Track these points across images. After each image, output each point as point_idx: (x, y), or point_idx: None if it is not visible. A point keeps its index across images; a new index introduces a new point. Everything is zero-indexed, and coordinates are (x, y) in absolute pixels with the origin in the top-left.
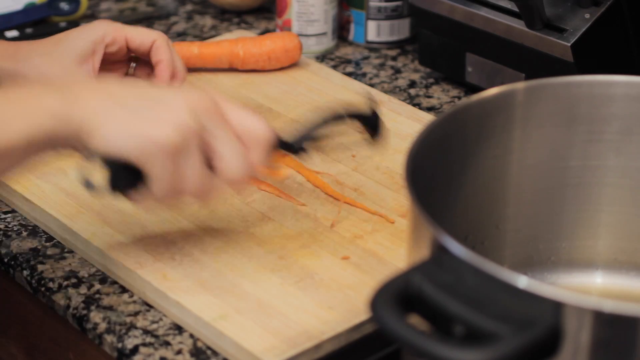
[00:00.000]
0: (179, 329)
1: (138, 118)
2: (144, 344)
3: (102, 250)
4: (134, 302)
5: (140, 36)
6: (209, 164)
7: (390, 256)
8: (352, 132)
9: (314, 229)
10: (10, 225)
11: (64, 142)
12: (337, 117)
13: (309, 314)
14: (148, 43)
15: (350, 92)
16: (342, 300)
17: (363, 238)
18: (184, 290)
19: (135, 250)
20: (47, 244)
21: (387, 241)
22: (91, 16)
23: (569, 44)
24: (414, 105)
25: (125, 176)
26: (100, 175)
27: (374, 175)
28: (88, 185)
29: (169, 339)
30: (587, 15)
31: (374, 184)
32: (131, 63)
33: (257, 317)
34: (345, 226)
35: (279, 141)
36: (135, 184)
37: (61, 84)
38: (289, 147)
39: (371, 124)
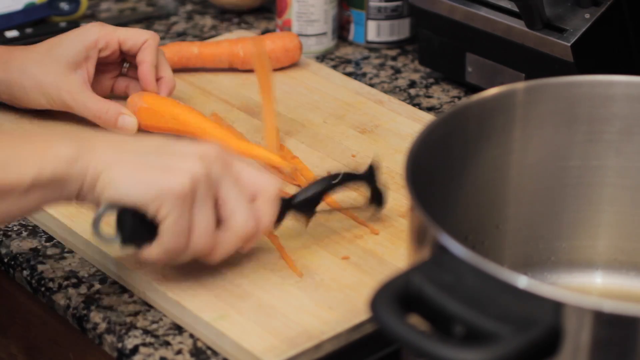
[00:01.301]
0: (179, 329)
1: (151, 167)
2: (144, 344)
3: (102, 250)
4: (134, 302)
5: (133, 37)
6: (218, 219)
7: (390, 256)
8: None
9: (314, 229)
10: (10, 225)
11: (73, 189)
12: (337, 182)
13: (309, 314)
14: (140, 43)
15: (350, 92)
16: (342, 300)
17: (363, 238)
18: (184, 290)
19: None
20: (47, 244)
21: (387, 241)
22: (91, 16)
23: (569, 44)
24: (414, 105)
25: (137, 228)
26: (111, 227)
27: None
28: (99, 235)
29: (169, 339)
30: (587, 15)
31: None
32: (124, 63)
33: (257, 317)
34: (346, 226)
35: (287, 200)
36: (147, 238)
37: (78, 135)
38: (297, 206)
39: (373, 190)
